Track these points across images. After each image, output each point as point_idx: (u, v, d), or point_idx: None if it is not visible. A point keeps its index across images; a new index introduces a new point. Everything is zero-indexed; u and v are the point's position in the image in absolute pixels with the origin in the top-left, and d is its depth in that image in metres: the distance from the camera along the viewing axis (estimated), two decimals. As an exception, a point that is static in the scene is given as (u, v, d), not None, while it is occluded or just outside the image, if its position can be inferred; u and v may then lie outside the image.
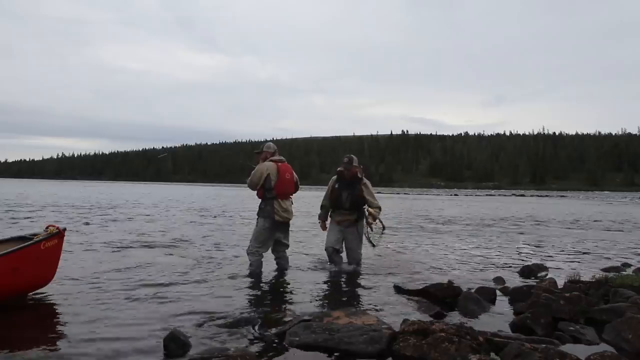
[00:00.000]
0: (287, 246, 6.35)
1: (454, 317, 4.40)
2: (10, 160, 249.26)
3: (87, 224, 12.42)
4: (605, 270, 6.90)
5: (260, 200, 6.14)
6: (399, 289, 5.40)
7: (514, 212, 24.20)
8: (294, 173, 6.26)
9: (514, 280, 6.17)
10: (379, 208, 6.35)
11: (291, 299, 5.03)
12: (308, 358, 3.30)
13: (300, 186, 6.41)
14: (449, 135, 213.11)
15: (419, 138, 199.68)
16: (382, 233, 6.46)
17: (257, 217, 6.20)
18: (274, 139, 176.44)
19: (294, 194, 6.34)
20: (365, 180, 6.39)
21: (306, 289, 5.44)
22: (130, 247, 8.32)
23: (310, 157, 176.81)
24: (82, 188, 54.13)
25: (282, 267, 6.29)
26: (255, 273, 6.01)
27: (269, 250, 6.28)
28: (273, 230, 6.07)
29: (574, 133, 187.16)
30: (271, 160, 6.10)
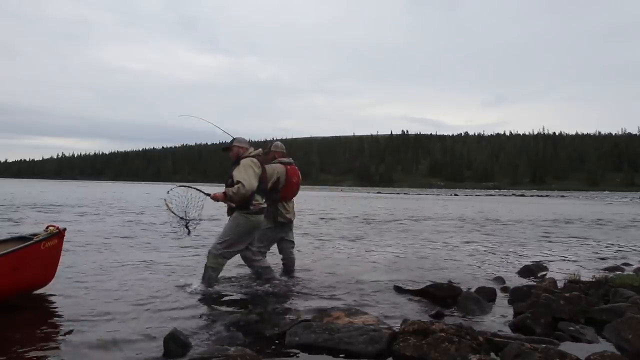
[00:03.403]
0: (292, 243, 6.33)
1: (454, 317, 4.40)
2: (10, 160, 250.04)
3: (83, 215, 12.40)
4: (605, 270, 6.90)
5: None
6: (399, 289, 5.40)
7: (513, 212, 24.20)
8: (299, 175, 6.22)
9: (514, 280, 6.17)
10: (240, 184, 4.92)
11: (291, 299, 5.03)
12: (308, 358, 3.30)
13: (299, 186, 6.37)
14: (449, 135, 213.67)
15: (419, 138, 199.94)
16: (193, 223, 5.15)
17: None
18: (274, 138, 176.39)
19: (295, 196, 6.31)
20: (244, 161, 5.12)
21: (306, 289, 5.43)
22: (129, 247, 8.33)
23: (310, 157, 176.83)
24: (82, 188, 54.11)
25: (287, 268, 6.27)
26: (256, 273, 6.00)
27: (275, 252, 6.28)
28: (275, 231, 6.07)
29: (574, 133, 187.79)
30: (280, 162, 6.05)
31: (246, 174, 5.02)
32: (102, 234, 10.07)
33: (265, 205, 5.35)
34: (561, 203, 41.58)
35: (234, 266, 6.62)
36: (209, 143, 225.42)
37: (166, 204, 5.11)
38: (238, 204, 5.11)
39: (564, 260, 8.19)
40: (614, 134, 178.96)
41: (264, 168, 5.37)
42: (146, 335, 3.63)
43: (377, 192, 70.91)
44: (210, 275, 5.16)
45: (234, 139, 5.41)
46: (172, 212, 5.13)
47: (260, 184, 5.18)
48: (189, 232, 5.22)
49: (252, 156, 5.24)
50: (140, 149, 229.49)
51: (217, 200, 5.13)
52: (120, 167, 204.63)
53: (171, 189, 5.19)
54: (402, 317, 4.06)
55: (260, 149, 5.51)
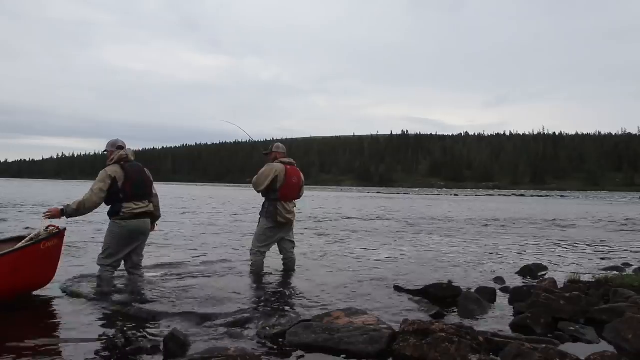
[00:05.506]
0: (293, 243, 6.33)
1: (454, 317, 4.40)
2: (10, 160, 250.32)
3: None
4: (605, 270, 6.90)
5: (264, 199, 6.13)
6: (399, 289, 5.40)
7: (513, 212, 24.20)
8: (302, 176, 6.21)
9: (514, 280, 6.17)
10: (80, 205, 4.88)
11: (291, 299, 5.03)
12: (308, 358, 3.30)
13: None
14: (449, 135, 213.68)
15: (419, 138, 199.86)
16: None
17: (259, 216, 6.19)
18: (274, 138, 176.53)
19: (298, 199, 6.30)
20: (101, 173, 5.00)
21: (306, 289, 5.43)
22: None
23: (310, 157, 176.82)
24: (80, 188, 54.09)
25: (288, 268, 6.26)
26: (256, 273, 6.01)
27: (275, 252, 6.27)
28: (275, 230, 6.07)
29: (574, 133, 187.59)
30: (281, 162, 6.05)
31: (91, 190, 4.91)
32: (101, 234, 10.06)
33: (143, 210, 5.16)
34: (561, 203, 41.58)
35: (233, 266, 6.63)
36: (209, 143, 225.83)
37: None
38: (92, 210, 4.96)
39: (564, 260, 8.19)
40: (614, 134, 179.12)
41: (126, 170, 5.03)
42: (146, 335, 3.63)
43: (377, 192, 70.89)
44: (101, 283, 5.07)
45: (108, 143, 5.26)
46: None
47: (123, 191, 4.95)
48: None
49: (115, 162, 5.04)
50: (140, 149, 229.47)
51: (56, 217, 4.81)
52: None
53: None
54: (402, 317, 4.05)
55: (129, 149, 5.23)
